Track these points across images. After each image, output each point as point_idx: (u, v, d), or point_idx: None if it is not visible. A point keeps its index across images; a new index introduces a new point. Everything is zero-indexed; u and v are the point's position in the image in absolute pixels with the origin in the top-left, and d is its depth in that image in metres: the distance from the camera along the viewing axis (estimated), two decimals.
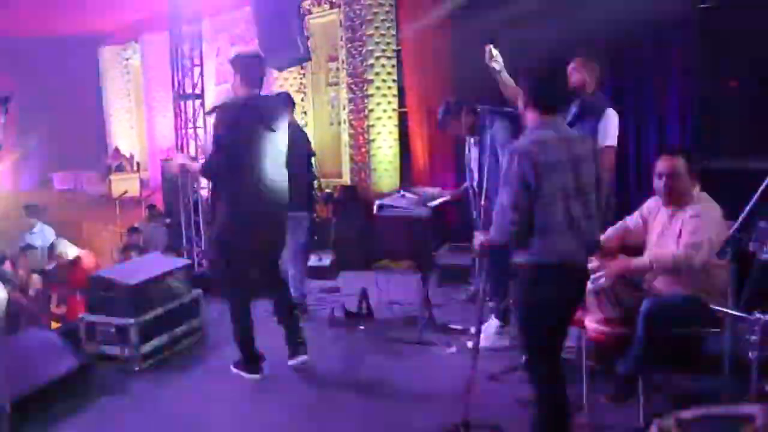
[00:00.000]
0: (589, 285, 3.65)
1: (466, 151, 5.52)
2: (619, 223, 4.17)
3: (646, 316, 3.56)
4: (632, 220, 4.12)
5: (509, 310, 5.13)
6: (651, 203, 4.03)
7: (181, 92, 8.52)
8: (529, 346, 3.38)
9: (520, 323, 3.47)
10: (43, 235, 9.56)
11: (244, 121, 4.58)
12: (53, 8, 12.03)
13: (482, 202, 4.84)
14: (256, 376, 4.81)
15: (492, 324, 5.24)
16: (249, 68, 4.64)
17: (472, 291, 6.49)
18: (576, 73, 4.83)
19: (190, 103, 8.60)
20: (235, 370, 4.86)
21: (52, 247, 8.63)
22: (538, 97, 3.27)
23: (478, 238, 3.59)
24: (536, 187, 3.08)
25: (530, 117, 3.30)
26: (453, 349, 5.21)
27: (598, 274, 3.72)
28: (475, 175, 5.30)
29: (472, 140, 5.40)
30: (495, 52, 4.83)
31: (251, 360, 4.83)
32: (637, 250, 3.99)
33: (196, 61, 8.49)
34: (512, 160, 3.15)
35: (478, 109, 5.23)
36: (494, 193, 4.03)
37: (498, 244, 3.38)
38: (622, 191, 6.10)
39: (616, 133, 4.87)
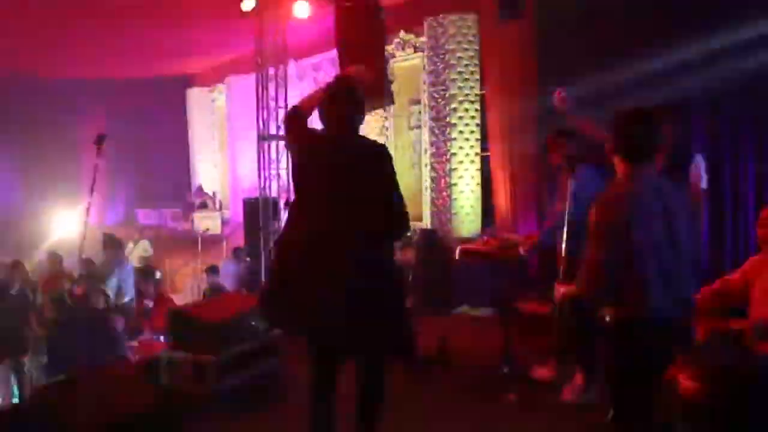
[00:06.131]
0: None
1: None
2: (718, 282, 3.94)
3: None
4: (732, 278, 3.90)
5: (595, 363, 4.91)
6: (754, 260, 3.83)
7: (266, 133, 8.67)
8: (618, 404, 3.22)
9: (609, 380, 3.32)
10: (120, 270, 8.73)
11: None
12: (149, 52, 12.47)
13: (563, 248, 4.34)
14: None
15: (577, 378, 5.01)
16: None
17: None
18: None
19: (273, 144, 8.73)
20: None
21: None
22: (629, 146, 3.13)
23: (559, 289, 3.46)
24: (626, 239, 2.95)
25: (620, 166, 3.16)
26: (534, 403, 4.98)
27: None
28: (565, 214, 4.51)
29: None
30: (564, 95, 4.66)
31: None
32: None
33: (281, 103, 8.64)
34: (600, 211, 3.04)
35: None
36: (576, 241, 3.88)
37: (582, 297, 3.25)
38: (718, 246, 5.90)
39: (705, 177, 4.79)
